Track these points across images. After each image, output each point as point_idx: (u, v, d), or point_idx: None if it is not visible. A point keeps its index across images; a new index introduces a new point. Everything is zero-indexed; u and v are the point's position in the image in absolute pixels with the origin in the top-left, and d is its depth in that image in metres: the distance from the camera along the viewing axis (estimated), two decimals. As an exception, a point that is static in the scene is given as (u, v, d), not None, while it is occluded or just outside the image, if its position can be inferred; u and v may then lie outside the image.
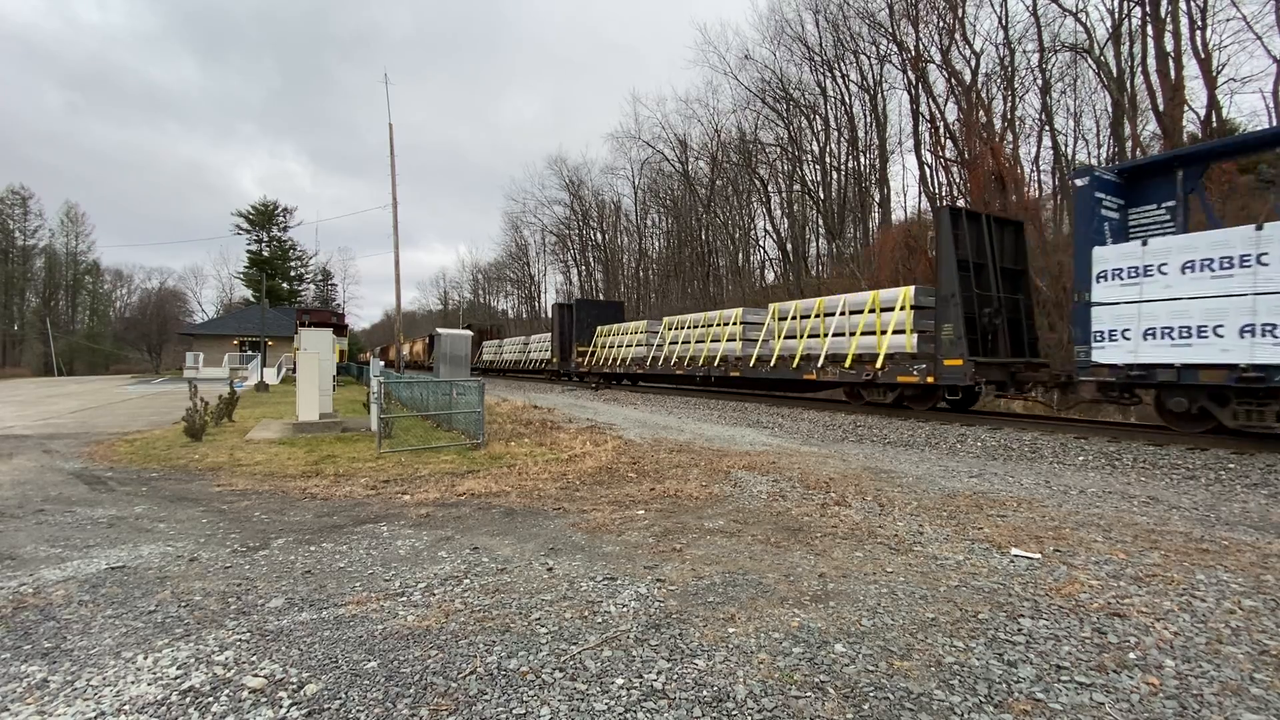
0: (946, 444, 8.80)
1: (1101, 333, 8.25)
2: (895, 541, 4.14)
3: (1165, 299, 7.61)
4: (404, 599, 3.25)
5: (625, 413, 13.89)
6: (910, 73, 30.23)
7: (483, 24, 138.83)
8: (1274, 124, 21.75)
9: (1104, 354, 8.21)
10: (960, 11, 27.84)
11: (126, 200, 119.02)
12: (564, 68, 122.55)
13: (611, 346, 22.41)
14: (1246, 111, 44.62)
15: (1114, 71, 25.21)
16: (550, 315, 29.05)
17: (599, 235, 59.26)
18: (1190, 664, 2.47)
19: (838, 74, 35.31)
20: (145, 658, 2.62)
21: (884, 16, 30.90)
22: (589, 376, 24.39)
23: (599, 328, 23.90)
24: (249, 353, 39.47)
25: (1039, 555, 3.82)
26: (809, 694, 2.27)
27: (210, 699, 2.28)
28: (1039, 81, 28.01)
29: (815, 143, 37.90)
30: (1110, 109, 27.28)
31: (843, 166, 37.07)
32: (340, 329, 46.30)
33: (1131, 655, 2.54)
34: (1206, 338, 7.24)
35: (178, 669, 2.52)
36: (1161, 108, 21.77)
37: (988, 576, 3.47)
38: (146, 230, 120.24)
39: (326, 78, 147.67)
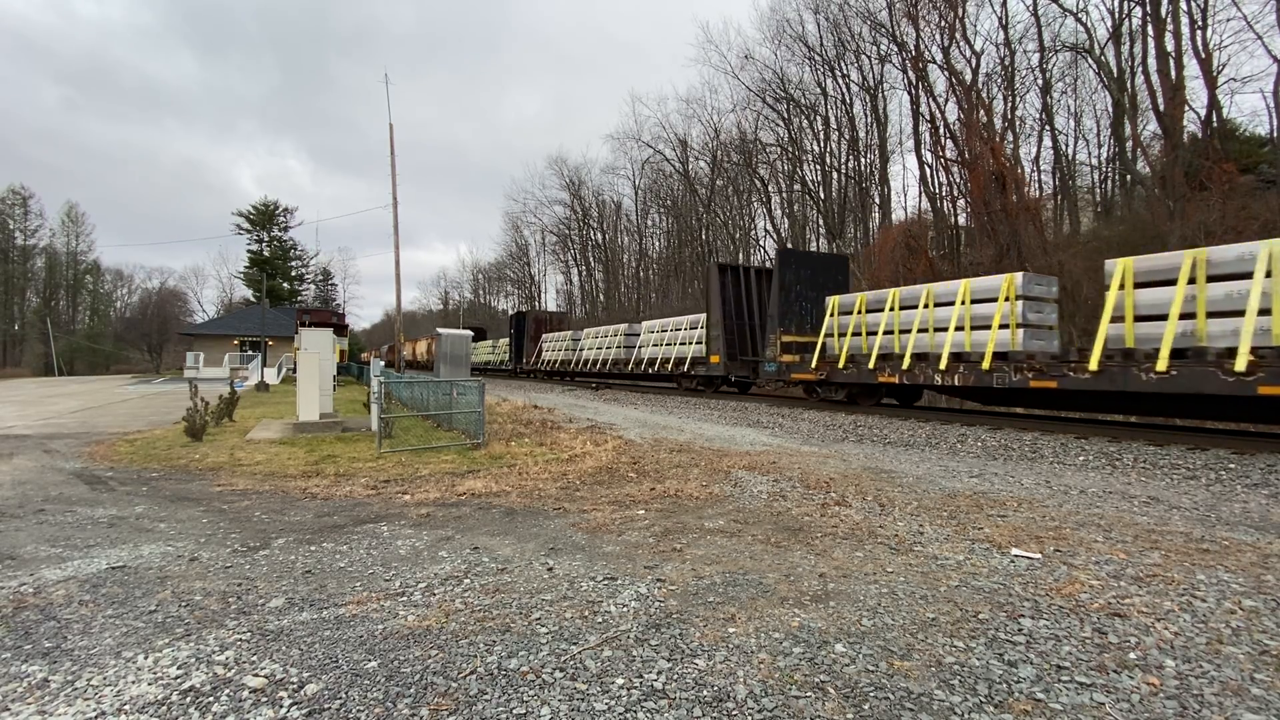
0: (947, 444, 8.80)
1: None
2: (896, 541, 4.14)
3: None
4: (404, 599, 3.25)
5: (625, 413, 13.89)
6: (910, 73, 30.27)
7: (484, 20, 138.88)
8: (1274, 123, 21.78)
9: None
10: (960, 11, 27.86)
11: (126, 199, 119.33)
12: (566, 65, 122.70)
13: (883, 332, 11.87)
14: (1247, 111, 44.74)
15: (1114, 71, 25.22)
16: (706, 283, 17.49)
17: (599, 235, 59.32)
18: (1191, 664, 2.47)
19: (838, 74, 35.38)
20: (146, 657, 2.62)
21: (884, 16, 30.95)
22: (827, 387, 13.64)
23: (830, 300, 13.43)
24: (249, 352, 39.50)
25: (1039, 555, 3.82)
26: (809, 694, 2.27)
27: (211, 699, 2.28)
28: (1039, 81, 28.05)
29: (815, 143, 37.97)
30: (1110, 109, 27.33)
31: (843, 166, 37.10)
32: (340, 329, 46.29)
33: (1132, 655, 2.54)
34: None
35: (178, 669, 2.52)
36: (1162, 108, 21.77)
37: (988, 576, 3.47)
38: (146, 230, 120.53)
39: (327, 75, 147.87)
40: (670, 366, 19.05)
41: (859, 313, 12.65)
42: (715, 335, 16.56)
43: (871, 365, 11.92)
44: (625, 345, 22.32)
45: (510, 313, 38.51)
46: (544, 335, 30.58)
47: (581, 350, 25.71)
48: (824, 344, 13.54)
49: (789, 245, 39.53)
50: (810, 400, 15.15)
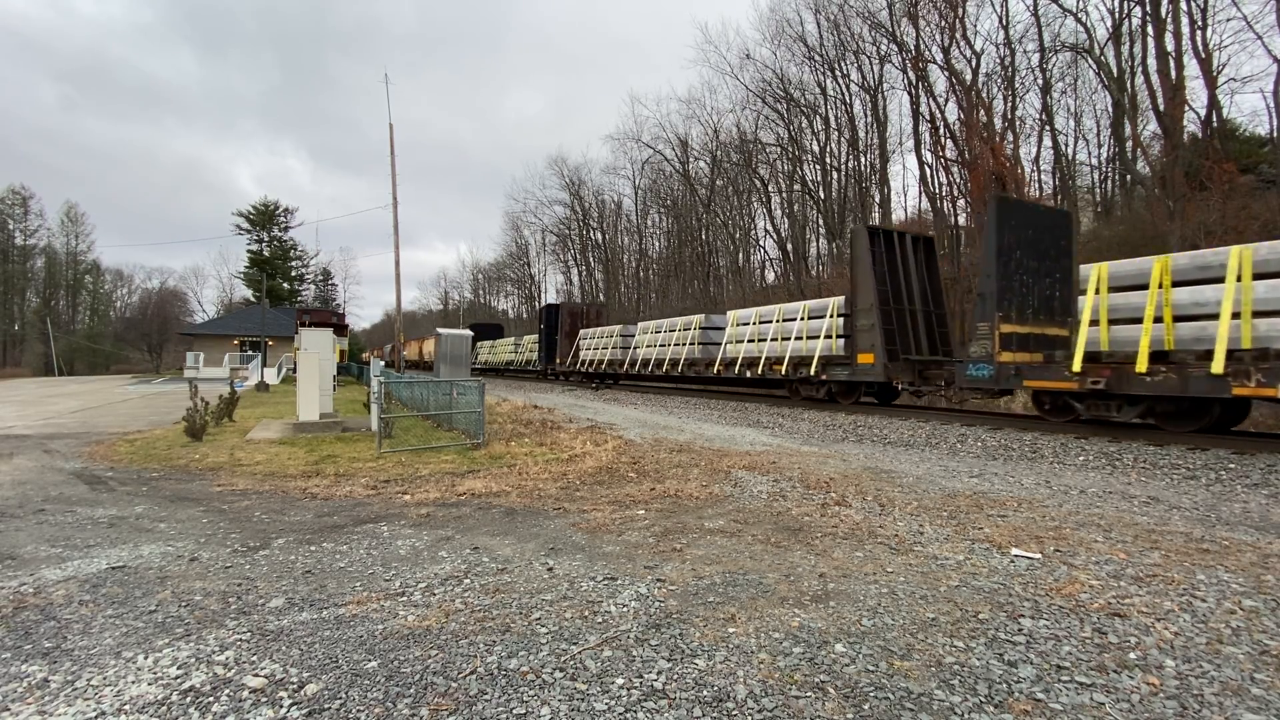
0: (947, 444, 8.80)
1: None
2: (895, 541, 4.14)
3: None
4: (404, 599, 3.25)
5: (625, 413, 13.89)
6: (910, 72, 30.26)
7: (485, 18, 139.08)
8: (1274, 123, 21.78)
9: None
10: (960, 11, 27.86)
11: (125, 199, 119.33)
12: (567, 63, 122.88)
13: (1228, 315, 7.33)
14: (1247, 111, 44.77)
15: (1114, 71, 25.21)
16: (851, 252, 13.35)
17: (599, 235, 59.30)
18: (1190, 664, 2.47)
19: (838, 74, 35.35)
20: (146, 657, 2.62)
21: (884, 16, 30.93)
22: (1103, 401, 9.02)
23: (1092, 271, 8.91)
24: (249, 352, 39.50)
25: (1039, 555, 3.82)
26: (809, 694, 2.27)
27: (210, 699, 2.28)
28: (1039, 81, 28.03)
29: (815, 143, 37.94)
30: (1110, 109, 27.32)
31: (843, 166, 37.09)
32: (340, 329, 46.27)
33: (1132, 655, 2.54)
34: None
35: (178, 669, 2.52)
36: (1162, 108, 21.77)
37: (988, 576, 3.47)
38: (146, 230, 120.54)
39: (327, 73, 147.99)
40: (784, 369, 14.29)
41: (1158, 287, 8.05)
42: (867, 326, 12.13)
43: (1218, 369, 7.27)
44: (701, 342, 17.85)
45: (539, 308, 31.29)
46: (581, 331, 25.91)
47: (635, 349, 21.00)
48: (1077, 336, 8.86)
49: (789, 252, 39.38)
50: (813, 401, 14.55)
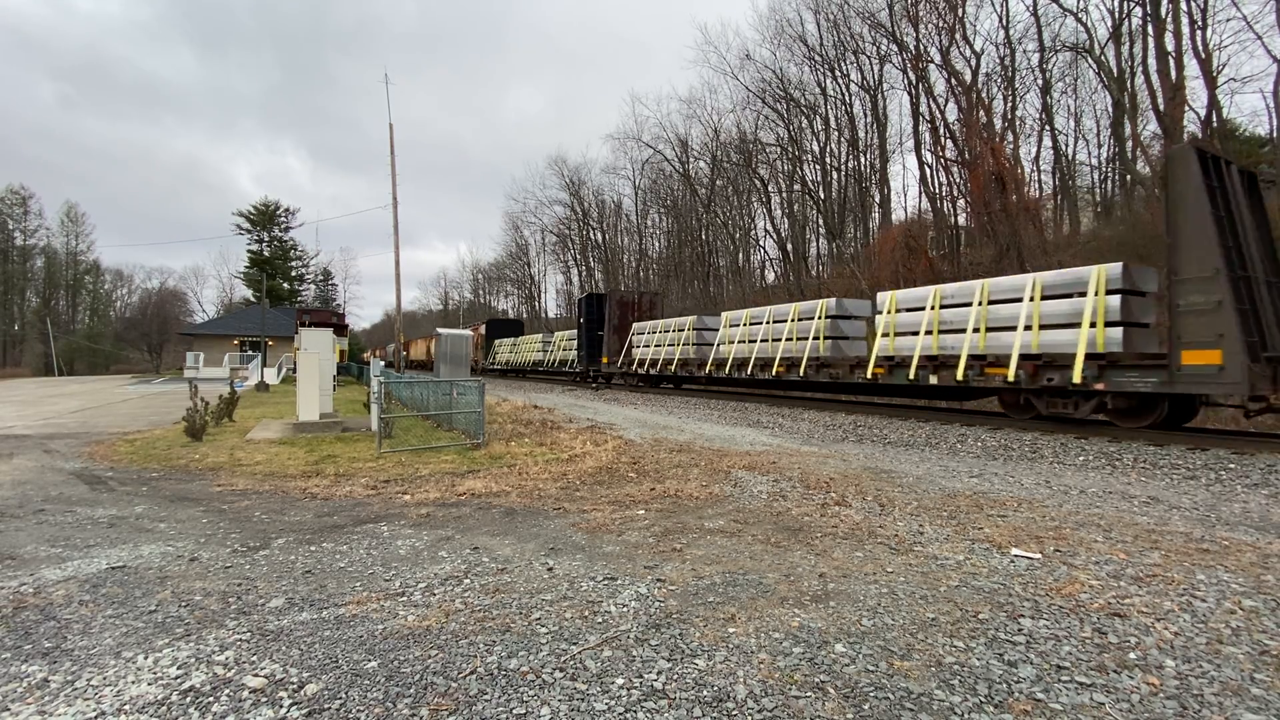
0: (947, 444, 8.80)
1: None
2: (895, 541, 4.14)
3: None
4: (404, 599, 3.25)
5: (625, 413, 13.89)
6: (910, 73, 30.26)
7: (485, 18, 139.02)
8: (1274, 123, 21.77)
9: None
10: (960, 11, 27.85)
11: (124, 198, 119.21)
12: (567, 62, 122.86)
13: None
14: (1247, 111, 44.78)
15: (1114, 71, 25.22)
16: (1168, 182, 7.75)
17: (599, 235, 59.31)
18: (1190, 664, 2.47)
19: (838, 74, 35.38)
20: (145, 658, 2.62)
21: (884, 16, 30.94)
22: None
23: None
24: (249, 353, 39.51)
25: (1039, 555, 3.82)
26: (809, 694, 2.27)
27: (210, 699, 2.28)
28: (1039, 81, 28.05)
29: (815, 143, 37.97)
30: (1110, 109, 27.34)
31: (843, 166, 37.11)
32: (340, 329, 46.26)
33: (1132, 655, 2.54)
34: None
35: (178, 669, 2.52)
36: (1162, 108, 21.78)
37: (988, 576, 3.47)
38: (146, 230, 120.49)
39: (327, 72, 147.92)
40: (1009, 373, 9.29)
41: None
42: (1205, 305, 7.36)
43: None
44: (829, 335, 13.26)
45: (579, 297, 27.60)
46: (634, 325, 21.53)
47: (718, 345, 16.72)
48: None
49: (788, 252, 39.35)
50: (809, 401, 14.62)
